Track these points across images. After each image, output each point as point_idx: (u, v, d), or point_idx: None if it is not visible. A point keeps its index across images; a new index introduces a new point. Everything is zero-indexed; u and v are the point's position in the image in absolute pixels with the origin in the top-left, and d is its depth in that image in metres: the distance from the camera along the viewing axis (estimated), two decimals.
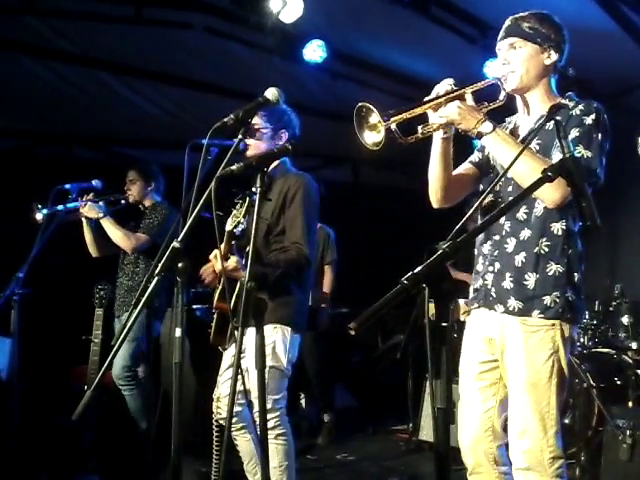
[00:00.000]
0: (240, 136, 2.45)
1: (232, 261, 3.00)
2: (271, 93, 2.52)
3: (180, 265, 2.13)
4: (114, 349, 2.12)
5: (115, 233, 4.56)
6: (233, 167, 2.36)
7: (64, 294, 5.63)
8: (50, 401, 4.62)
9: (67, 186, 4.46)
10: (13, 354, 4.09)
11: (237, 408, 3.21)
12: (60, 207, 4.48)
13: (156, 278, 2.09)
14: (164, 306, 4.64)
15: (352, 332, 1.49)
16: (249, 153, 3.26)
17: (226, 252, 2.99)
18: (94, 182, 4.57)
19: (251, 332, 2.93)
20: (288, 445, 3.24)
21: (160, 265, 2.11)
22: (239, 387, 2.29)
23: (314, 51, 5.18)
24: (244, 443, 3.31)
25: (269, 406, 3.10)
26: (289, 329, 3.22)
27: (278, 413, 3.19)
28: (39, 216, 4.47)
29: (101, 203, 4.60)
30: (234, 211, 2.97)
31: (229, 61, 5.38)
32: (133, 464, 4.26)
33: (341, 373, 6.74)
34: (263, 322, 2.35)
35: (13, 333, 4.03)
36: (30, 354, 4.37)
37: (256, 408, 2.91)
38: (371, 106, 2.29)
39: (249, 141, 3.26)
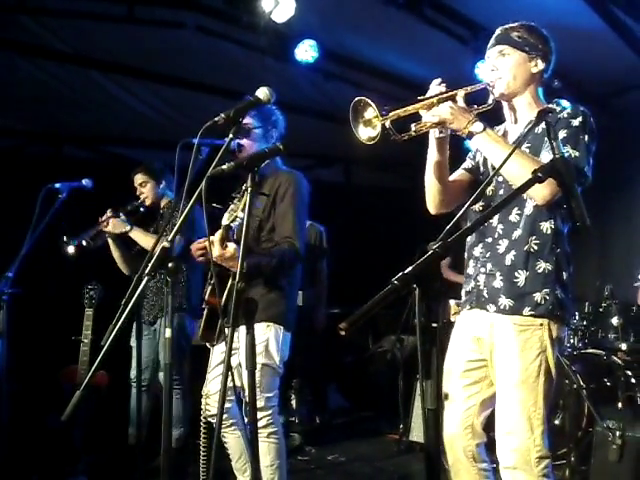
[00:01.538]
0: (231, 135, 2.44)
1: (231, 248, 2.94)
2: (263, 93, 2.52)
3: (170, 265, 2.12)
4: (105, 348, 2.10)
5: (147, 241, 4.45)
6: (224, 166, 2.36)
7: (54, 294, 5.61)
8: (40, 402, 4.59)
9: (57, 185, 4.40)
10: (2, 354, 4.07)
11: (226, 405, 3.18)
12: (85, 234, 4.47)
13: (145, 278, 2.08)
14: (198, 306, 4.55)
15: (342, 332, 1.49)
16: (243, 155, 3.25)
17: (222, 241, 2.94)
18: (84, 181, 4.50)
19: (242, 329, 2.95)
20: (280, 444, 3.24)
21: (150, 265, 2.10)
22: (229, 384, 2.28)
23: (306, 51, 5.18)
24: (233, 440, 3.30)
25: (262, 404, 3.11)
26: (282, 328, 3.23)
27: (270, 411, 3.19)
28: (71, 249, 4.45)
29: (122, 216, 4.51)
30: (232, 205, 2.95)
31: (221, 60, 5.38)
32: (123, 465, 4.25)
33: (332, 374, 6.75)
34: (254, 322, 2.35)
35: (2, 333, 3.99)
36: (19, 354, 4.35)
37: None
38: (369, 100, 2.32)
39: (242, 141, 3.27)
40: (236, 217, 2.93)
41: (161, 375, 4.53)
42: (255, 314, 2.36)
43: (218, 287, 2.95)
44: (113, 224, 4.48)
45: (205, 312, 3.25)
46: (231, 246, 2.95)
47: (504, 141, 2.46)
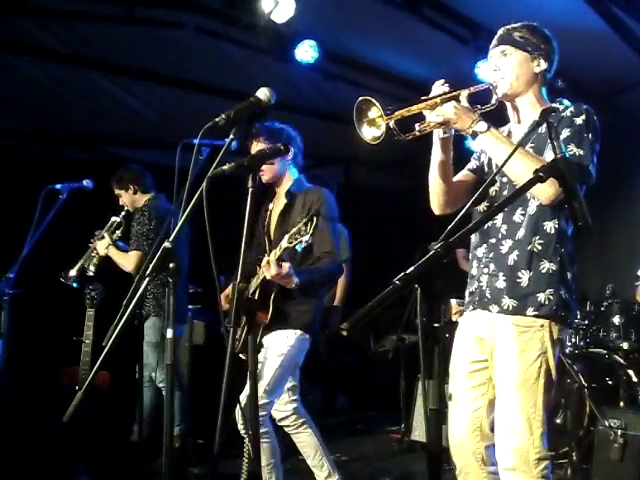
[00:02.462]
0: (232, 136, 2.44)
1: (286, 266, 3.11)
2: (263, 93, 2.51)
3: (171, 266, 2.12)
4: (107, 349, 2.11)
5: (117, 262, 4.58)
6: (224, 167, 2.36)
7: (55, 295, 5.60)
8: (41, 402, 4.59)
9: (58, 186, 4.41)
10: (4, 355, 4.07)
11: (294, 405, 3.44)
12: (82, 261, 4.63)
13: (147, 279, 2.08)
14: (184, 310, 4.63)
15: (344, 332, 1.49)
16: (265, 178, 3.48)
17: (278, 260, 3.12)
18: (85, 182, 4.51)
19: (273, 334, 3.28)
20: (272, 444, 3.36)
21: (151, 266, 2.09)
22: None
23: (306, 51, 5.17)
24: (307, 438, 3.48)
25: (260, 403, 3.14)
26: (307, 336, 3.41)
27: (264, 413, 3.26)
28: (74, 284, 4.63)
29: (106, 236, 4.61)
30: (294, 229, 3.01)
31: (221, 61, 5.38)
32: (125, 465, 4.25)
33: (335, 374, 6.74)
34: (255, 323, 2.36)
35: (3, 334, 4.00)
36: (21, 355, 4.35)
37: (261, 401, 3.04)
38: (373, 100, 2.31)
39: (263, 167, 3.39)
40: (302, 241, 3.00)
41: (152, 375, 4.60)
42: (256, 316, 2.39)
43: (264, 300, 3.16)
44: (98, 247, 4.62)
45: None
46: (286, 265, 3.12)
47: (509, 141, 2.44)
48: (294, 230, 2.98)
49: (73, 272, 4.63)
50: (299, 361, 3.44)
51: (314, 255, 3.40)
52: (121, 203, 4.84)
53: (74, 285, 4.61)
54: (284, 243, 3.03)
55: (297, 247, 3.02)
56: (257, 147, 3.43)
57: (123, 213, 4.79)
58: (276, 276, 3.11)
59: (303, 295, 3.34)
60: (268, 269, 3.11)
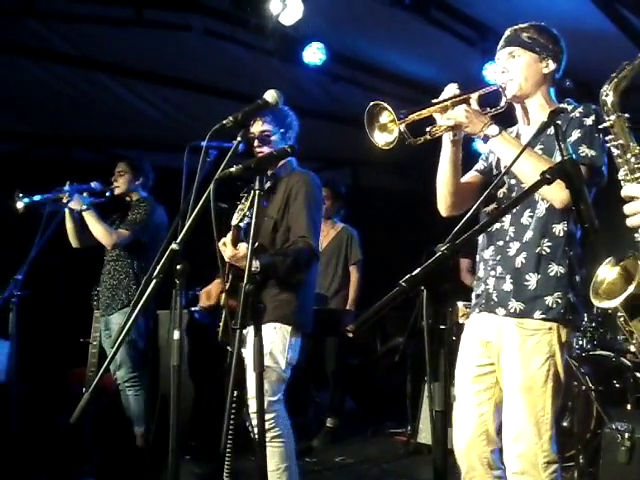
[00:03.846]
0: (239, 138, 2.45)
1: (243, 248, 3.00)
2: (270, 95, 2.52)
3: (179, 267, 2.13)
4: (113, 351, 2.12)
5: (97, 228, 4.42)
6: (232, 169, 2.36)
7: (63, 296, 5.63)
8: (49, 403, 4.61)
9: (66, 188, 4.44)
10: (11, 356, 4.08)
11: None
12: (41, 196, 4.40)
13: (154, 280, 2.09)
14: (150, 307, 4.52)
15: (350, 334, 1.49)
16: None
17: (234, 241, 3.01)
18: (93, 184, 4.53)
19: (250, 330, 2.97)
20: (285, 447, 3.18)
21: (159, 267, 2.10)
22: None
23: (314, 53, 5.20)
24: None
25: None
26: (289, 328, 3.20)
27: (273, 415, 3.14)
28: (20, 205, 4.42)
29: (85, 194, 4.46)
30: (239, 205, 2.99)
31: (228, 63, 5.40)
32: (131, 466, 4.26)
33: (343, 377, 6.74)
34: (261, 324, 2.35)
35: (11, 335, 4.01)
36: (29, 356, 4.36)
37: (252, 409, 2.93)
38: (385, 104, 2.29)
39: (263, 149, 3.31)
40: (244, 216, 2.96)
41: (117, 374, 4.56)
42: (263, 316, 2.36)
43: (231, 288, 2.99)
44: (75, 201, 4.42)
45: (224, 314, 3.26)
46: (242, 246, 3.01)
47: (519, 144, 2.42)
48: (240, 206, 2.91)
49: (20, 204, 4.43)
50: (288, 357, 3.19)
51: (290, 239, 3.25)
52: (114, 179, 4.70)
53: (21, 202, 4.36)
54: (233, 221, 2.93)
55: (241, 224, 2.93)
56: (260, 127, 3.33)
57: (110, 190, 4.66)
58: (232, 257, 3.00)
59: (278, 284, 3.17)
60: (224, 250, 3.00)
